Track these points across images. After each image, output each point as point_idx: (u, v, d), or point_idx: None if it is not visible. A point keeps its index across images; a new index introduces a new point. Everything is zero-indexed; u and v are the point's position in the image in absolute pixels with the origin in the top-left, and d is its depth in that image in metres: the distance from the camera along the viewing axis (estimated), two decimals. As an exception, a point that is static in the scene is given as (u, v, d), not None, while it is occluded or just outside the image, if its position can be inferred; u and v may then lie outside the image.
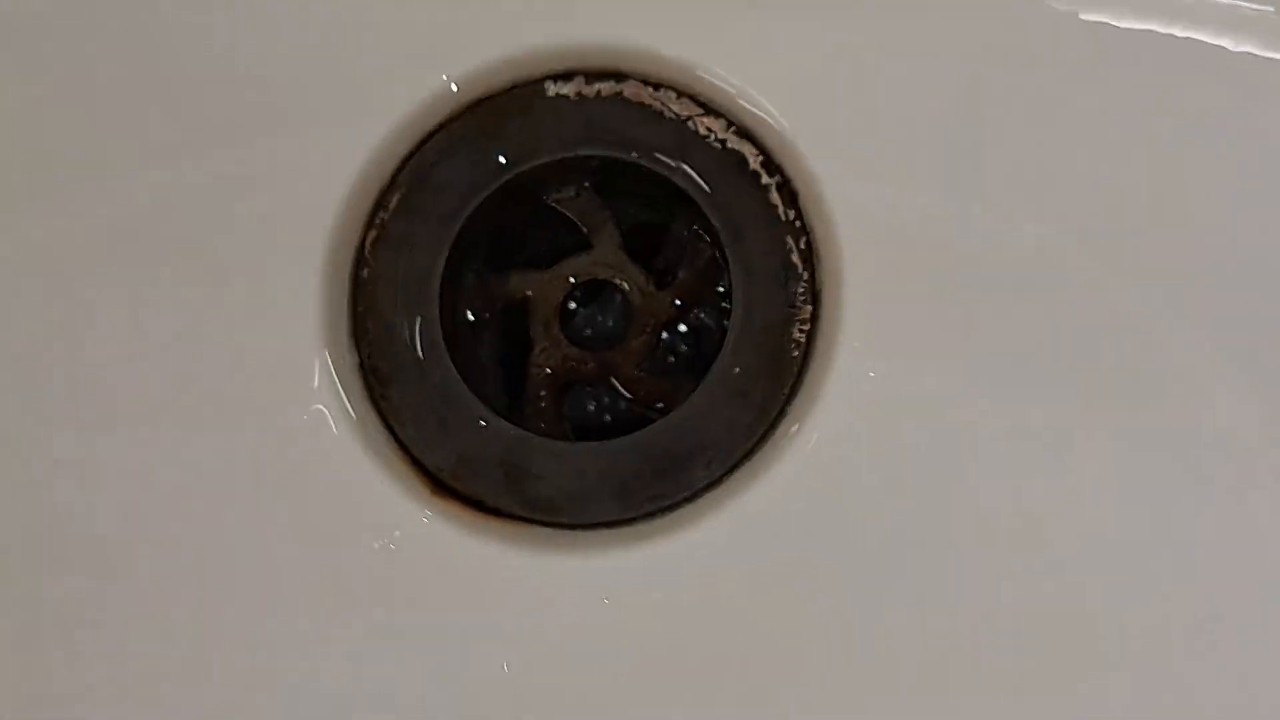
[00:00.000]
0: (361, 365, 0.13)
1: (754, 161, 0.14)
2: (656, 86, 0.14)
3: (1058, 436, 0.13)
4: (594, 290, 0.15)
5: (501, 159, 0.13)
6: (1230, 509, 0.13)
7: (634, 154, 0.14)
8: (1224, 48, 0.13)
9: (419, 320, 0.13)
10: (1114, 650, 0.13)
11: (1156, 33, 0.13)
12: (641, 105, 0.14)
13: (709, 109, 0.14)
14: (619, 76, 0.14)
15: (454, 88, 0.13)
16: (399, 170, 0.13)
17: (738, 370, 0.13)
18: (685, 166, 0.14)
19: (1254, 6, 0.13)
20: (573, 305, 0.15)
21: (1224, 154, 0.13)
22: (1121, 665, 0.14)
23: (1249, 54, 0.13)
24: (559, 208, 0.14)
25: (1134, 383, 0.13)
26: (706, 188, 0.14)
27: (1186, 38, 0.13)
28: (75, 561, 0.13)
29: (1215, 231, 0.13)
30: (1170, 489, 0.13)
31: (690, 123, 0.14)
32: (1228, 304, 0.13)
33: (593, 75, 0.14)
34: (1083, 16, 0.13)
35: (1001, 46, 0.13)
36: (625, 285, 0.14)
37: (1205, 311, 0.13)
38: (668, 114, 0.14)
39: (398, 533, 0.13)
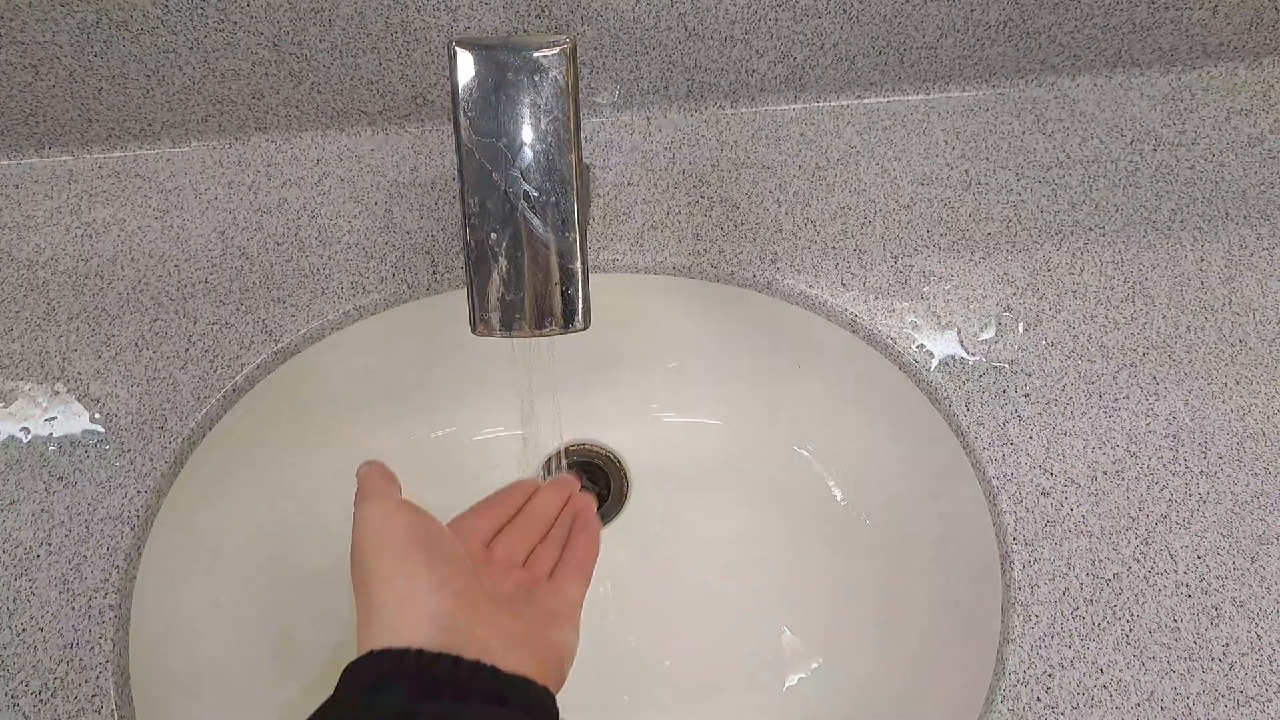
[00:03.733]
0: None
1: (615, 458, 0.63)
2: (584, 447, 0.64)
3: (725, 524, 0.62)
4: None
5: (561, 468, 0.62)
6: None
7: (584, 460, 0.63)
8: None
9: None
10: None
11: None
12: (585, 449, 0.63)
13: (602, 450, 0.63)
14: (577, 448, 0.63)
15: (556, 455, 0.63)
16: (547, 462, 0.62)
17: (611, 504, 0.62)
18: (598, 462, 0.63)
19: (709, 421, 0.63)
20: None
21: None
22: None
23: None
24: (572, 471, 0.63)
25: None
26: (602, 466, 0.63)
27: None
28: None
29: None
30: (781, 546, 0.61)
31: (599, 452, 0.63)
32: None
33: (570, 450, 0.63)
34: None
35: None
36: (588, 485, 0.63)
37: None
38: (595, 450, 0.63)
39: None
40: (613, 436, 0.60)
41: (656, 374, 0.58)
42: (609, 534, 0.58)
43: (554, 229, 0.39)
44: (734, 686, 0.50)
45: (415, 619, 0.30)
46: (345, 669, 0.30)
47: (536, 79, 0.36)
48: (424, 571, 0.32)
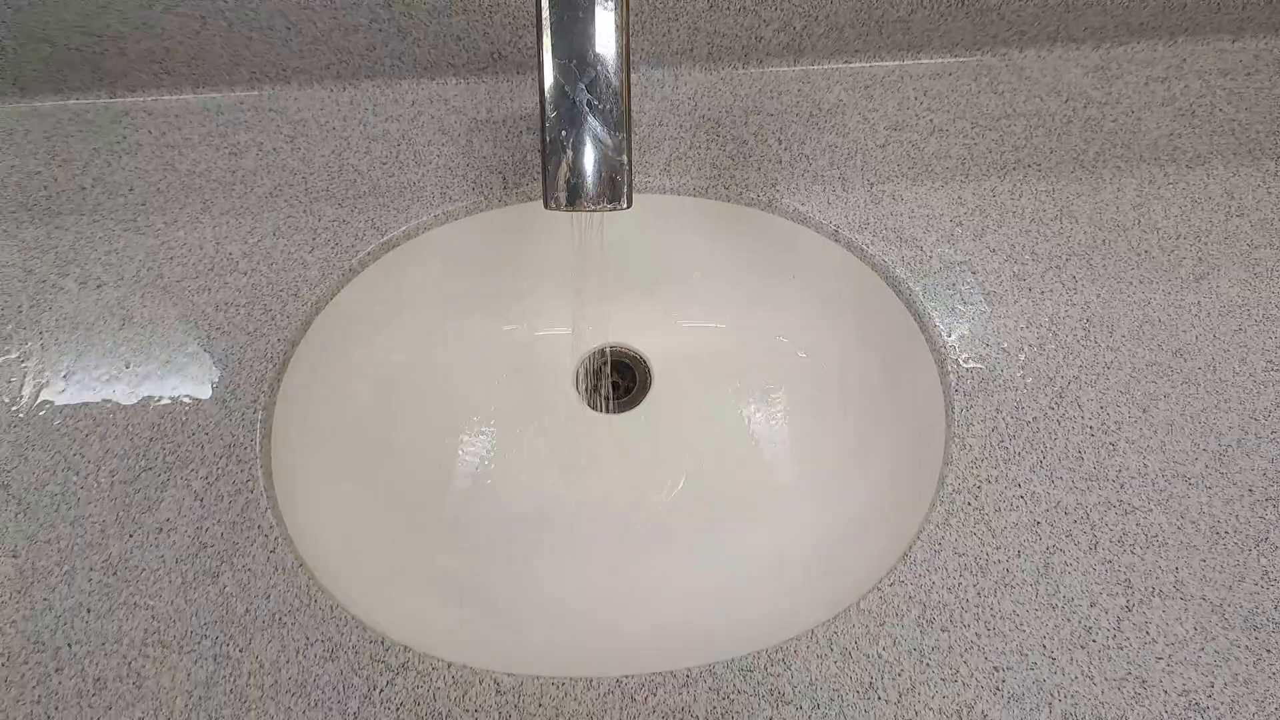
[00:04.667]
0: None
1: (641, 357, 0.76)
2: (617, 349, 0.77)
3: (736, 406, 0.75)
4: (614, 384, 0.77)
5: (602, 355, 0.76)
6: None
7: (616, 360, 0.76)
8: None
9: (588, 376, 0.75)
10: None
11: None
12: (620, 351, 0.77)
13: (630, 351, 0.77)
14: (612, 348, 0.77)
15: (603, 349, 0.76)
16: (588, 357, 0.75)
17: (638, 393, 0.75)
18: (626, 360, 0.76)
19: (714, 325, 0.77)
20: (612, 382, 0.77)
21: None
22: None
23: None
24: (606, 369, 0.77)
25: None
26: (630, 364, 0.76)
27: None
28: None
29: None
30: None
31: (628, 352, 0.77)
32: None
33: (613, 348, 0.77)
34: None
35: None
36: (615, 380, 0.76)
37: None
38: (626, 351, 0.77)
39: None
40: (640, 340, 0.73)
41: (677, 283, 0.71)
42: (637, 418, 0.71)
43: (608, 129, 0.52)
44: (733, 518, 0.63)
45: None
46: None
47: (599, 14, 0.50)
48: None
